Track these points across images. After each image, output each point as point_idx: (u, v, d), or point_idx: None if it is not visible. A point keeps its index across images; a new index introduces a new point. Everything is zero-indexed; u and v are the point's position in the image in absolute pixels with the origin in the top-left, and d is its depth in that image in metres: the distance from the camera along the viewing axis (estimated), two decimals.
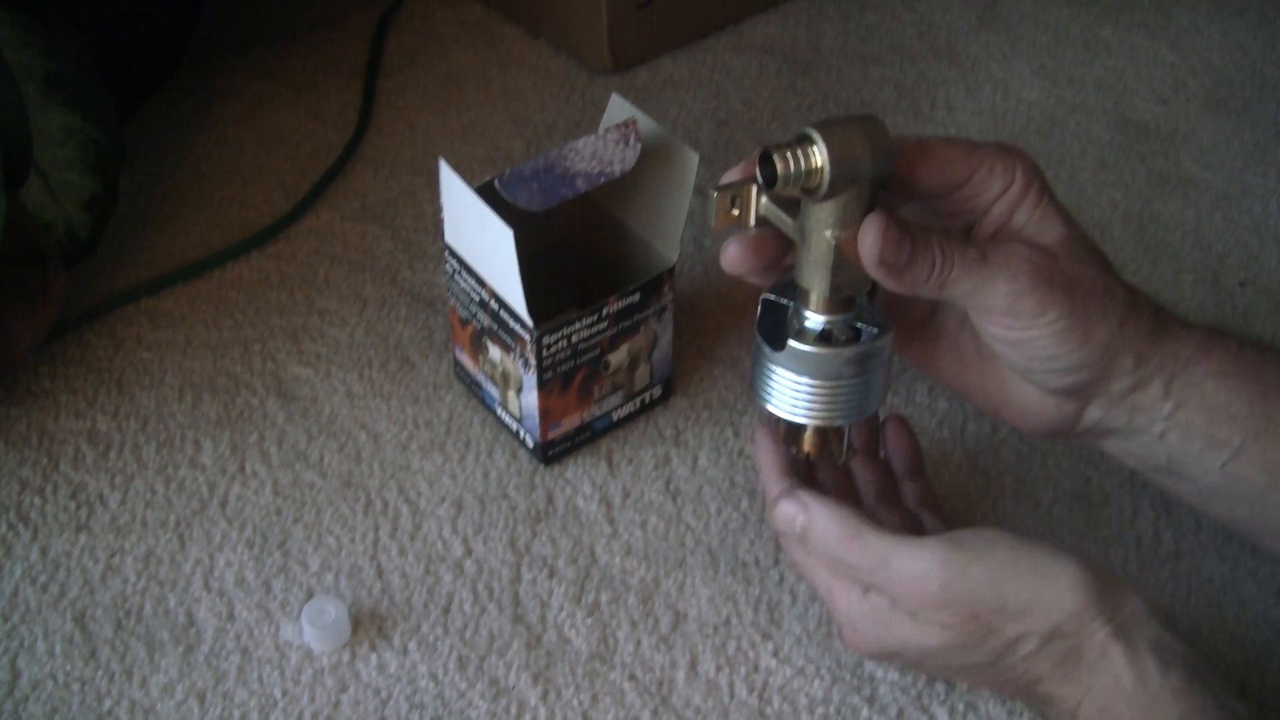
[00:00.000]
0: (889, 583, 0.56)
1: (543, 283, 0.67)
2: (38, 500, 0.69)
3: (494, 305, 0.67)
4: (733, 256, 0.58)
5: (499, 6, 1.03)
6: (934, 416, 0.74)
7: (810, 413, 0.58)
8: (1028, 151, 0.59)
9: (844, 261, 0.55)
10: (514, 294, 0.65)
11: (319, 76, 0.97)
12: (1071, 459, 0.72)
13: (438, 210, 0.70)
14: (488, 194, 0.65)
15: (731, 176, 0.58)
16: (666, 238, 0.70)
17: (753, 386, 0.60)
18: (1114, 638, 0.54)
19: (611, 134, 0.67)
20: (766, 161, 0.54)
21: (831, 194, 0.54)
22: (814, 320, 0.57)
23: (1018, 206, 0.58)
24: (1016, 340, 0.58)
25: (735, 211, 0.57)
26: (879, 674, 0.63)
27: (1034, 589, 0.54)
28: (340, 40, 1.00)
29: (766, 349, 0.58)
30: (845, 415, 0.59)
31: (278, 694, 0.62)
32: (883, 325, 0.58)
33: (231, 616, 0.65)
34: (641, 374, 0.72)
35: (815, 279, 0.56)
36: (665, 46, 0.99)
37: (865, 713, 0.61)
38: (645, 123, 0.68)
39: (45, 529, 0.68)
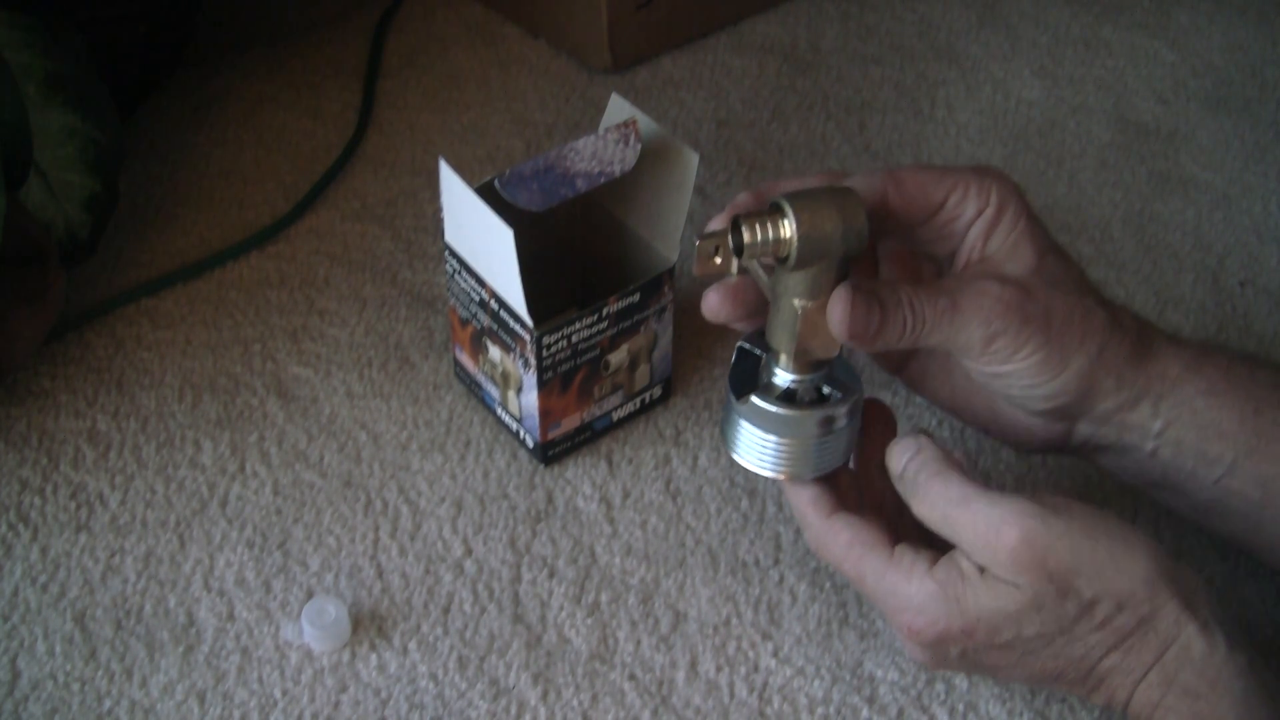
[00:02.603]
0: (963, 528, 0.55)
1: (543, 283, 0.67)
2: (38, 500, 0.69)
3: (494, 305, 0.67)
4: (713, 304, 0.59)
5: (499, 6, 1.03)
6: (934, 416, 0.74)
7: (774, 466, 0.59)
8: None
9: (811, 329, 0.56)
10: (514, 294, 0.65)
11: (319, 76, 0.97)
12: (1071, 459, 0.71)
13: (438, 210, 0.70)
14: (488, 194, 0.65)
15: (716, 225, 0.58)
16: (666, 238, 0.70)
17: (721, 432, 0.61)
18: (1184, 607, 0.54)
19: (611, 134, 0.67)
20: (736, 229, 0.54)
21: (800, 266, 0.55)
22: (781, 377, 0.58)
23: (993, 229, 0.59)
24: (995, 374, 0.59)
25: (718, 259, 0.57)
26: (879, 674, 0.63)
27: (1110, 551, 0.54)
28: (340, 40, 1.00)
29: (732, 398, 0.59)
30: (806, 471, 0.59)
31: (278, 694, 0.62)
32: (849, 389, 0.59)
33: (231, 616, 0.65)
34: (641, 374, 0.72)
35: (782, 341, 0.57)
36: (665, 46, 0.99)
37: (865, 713, 0.62)
38: (645, 123, 0.68)
39: (45, 529, 0.68)
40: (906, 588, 0.56)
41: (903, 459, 0.58)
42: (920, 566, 0.56)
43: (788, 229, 0.54)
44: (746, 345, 0.60)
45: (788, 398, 0.58)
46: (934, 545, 0.57)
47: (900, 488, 0.58)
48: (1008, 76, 0.98)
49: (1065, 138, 0.93)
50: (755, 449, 0.59)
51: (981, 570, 0.55)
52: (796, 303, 0.56)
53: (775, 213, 0.54)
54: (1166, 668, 0.54)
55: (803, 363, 0.57)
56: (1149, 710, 0.54)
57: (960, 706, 0.62)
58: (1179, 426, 0.59)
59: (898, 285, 0.57)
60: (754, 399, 0.58)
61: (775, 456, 0.59)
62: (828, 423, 0.58)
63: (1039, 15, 1.04)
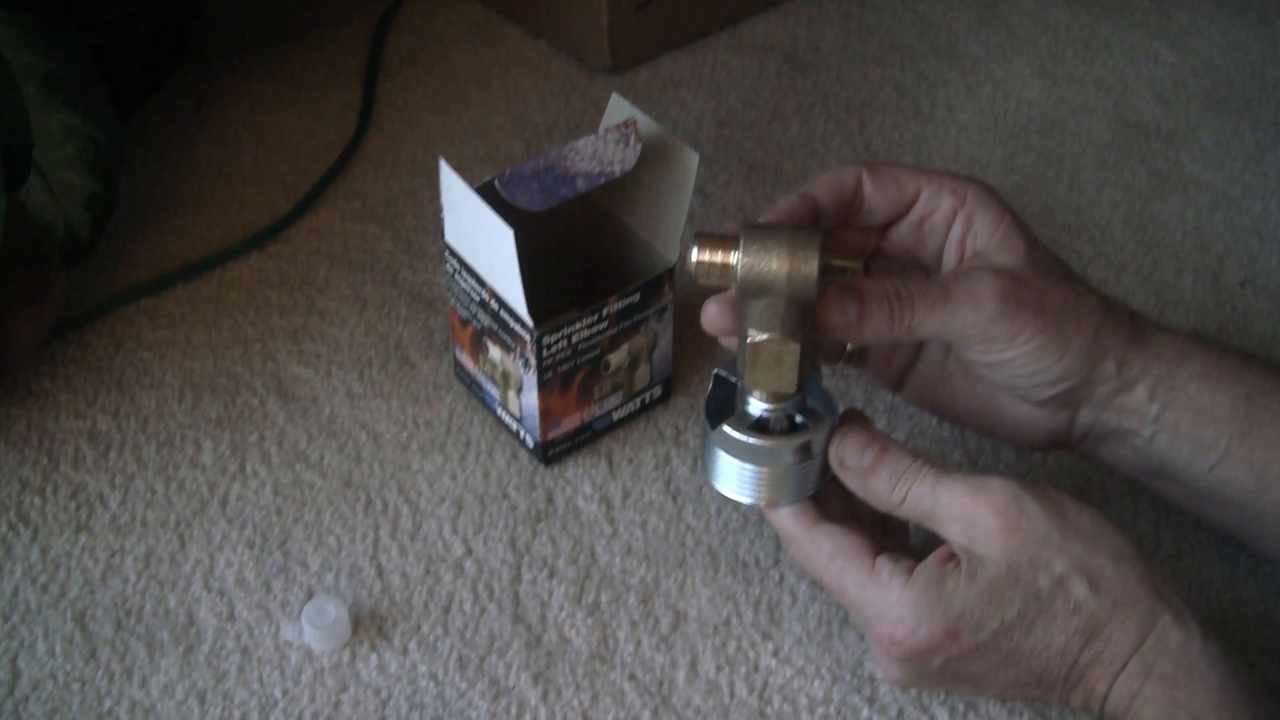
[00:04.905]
0: (945, 492, 0.56)
1: (543, 283, 0.67)
2: (38, 500, 0.69)
3: (494, 305, 0.67)
4: (711, 316, 0.59)
5: (499, 6, 1.03)
6: (932, 418, 0.74)
7: (751, 494, 0.59)
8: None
9: (756, 358, 0.56)
10: (514, 294, 0.65)
11: (319, 76, 0.97)
12: (1071, 458, 0.72)
13: (438, 210, 0.70)
14: (488, 194, 0.65)
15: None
16: (666, 238, 0.71)
17: (701, 458, 0.61)
18: (1156, 597, 0.54)
19: (611, 134, 0.67)
20: (693, 243, 0.56)
21: (743, 296, 0.56)
22: (755, 406, 0.58)
23: (974, 222, 0.60)
24: (997, 363, 0.59)
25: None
26: (879, 674, 0.63)
27: (1078, 528, 0.55)
28: (340, 40, 1.00)
29: (707, 425, 0.59)
30: (784, 499, 0.59)
31: (278, 694, 0.62)
32: (821, 418, 0.59)
33: (231, 616, 0.65)
34: (641, 374, 0.72)
35: (741, 369, 0.57)
36: (665, 46, 0.99)
37: (865, 713, 0.62)
38: (645, 123, 0.68)
39: (45, 529, 0.68)
40: (886, 599, 0.56)
41: (866, 455, 0.58)
42: (899, 579, 0.56)
43: (733, 257, 0.55)
44: (722, 372, 0.61)
45: (760, 427, 0.58)
46: (914, 555, 0.58)
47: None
48: (1008, 76, 0.98)
49: (1065, 138, 0.93)
50: (731, 477, 0.59)
51: (960, 560, 0.55)
52: (749, 332, 0.56)
53: (732, 239, 0.55)
54: (1146, 657, 0.54)
55: (770, 392, 0.58)
56: (1127, 701, 0.55)
57: (960, 706, 0.62)
58: (1175, 410, 0.60)
59: (885, 279, 0.58)
60: (725, 428, 0.59)
61: (751, 484, 0.59)
62: (801, 452, 0.58)
63: (1039, 15, 1.04)
